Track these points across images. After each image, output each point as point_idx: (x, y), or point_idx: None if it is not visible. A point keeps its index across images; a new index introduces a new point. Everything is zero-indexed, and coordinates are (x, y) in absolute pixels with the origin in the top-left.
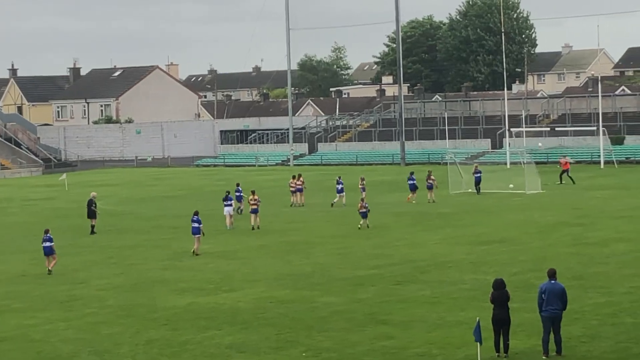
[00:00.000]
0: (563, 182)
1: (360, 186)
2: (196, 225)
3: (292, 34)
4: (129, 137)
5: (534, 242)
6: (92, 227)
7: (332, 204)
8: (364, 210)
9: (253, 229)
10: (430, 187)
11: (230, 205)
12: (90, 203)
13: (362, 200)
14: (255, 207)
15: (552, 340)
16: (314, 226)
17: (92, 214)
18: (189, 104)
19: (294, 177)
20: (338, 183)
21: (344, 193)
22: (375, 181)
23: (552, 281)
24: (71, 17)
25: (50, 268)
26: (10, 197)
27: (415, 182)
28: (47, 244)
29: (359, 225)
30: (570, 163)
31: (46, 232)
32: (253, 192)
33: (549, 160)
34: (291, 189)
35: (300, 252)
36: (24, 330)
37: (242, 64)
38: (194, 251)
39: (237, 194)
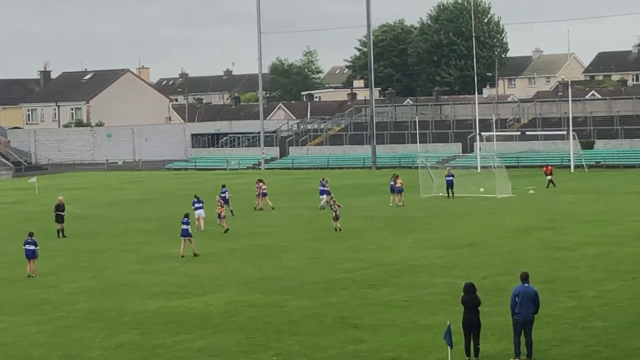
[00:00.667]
0: (553, 186)
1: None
2: (185, 227)
3: (264, 37)
4: (99, 141)
5: (504, 246)
6: (61, 231)
7: (321, 207)
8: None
9: (226, 231)
10: (399, 191)
11: (201, 207)
12: (58, 207)
13: (334, 202)
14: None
15: (522, 343)
16: (284, 230)
17: (60, 218)
18: (160, 107)
19: (259, 181)
20: (321, 185)
21: (325, 196)
22: (347, 185)
23: (525, 284)
24: (41, 20)
25: (32, 273)
26: None
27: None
28: (31, 247)
29: (335, 228)
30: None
31: (30, 235)
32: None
33: (520, 164)
34: (256, 192)
35: (271, 256)
36: None
37: (213, 68)
38: (196, 253)
39: (223, 195)
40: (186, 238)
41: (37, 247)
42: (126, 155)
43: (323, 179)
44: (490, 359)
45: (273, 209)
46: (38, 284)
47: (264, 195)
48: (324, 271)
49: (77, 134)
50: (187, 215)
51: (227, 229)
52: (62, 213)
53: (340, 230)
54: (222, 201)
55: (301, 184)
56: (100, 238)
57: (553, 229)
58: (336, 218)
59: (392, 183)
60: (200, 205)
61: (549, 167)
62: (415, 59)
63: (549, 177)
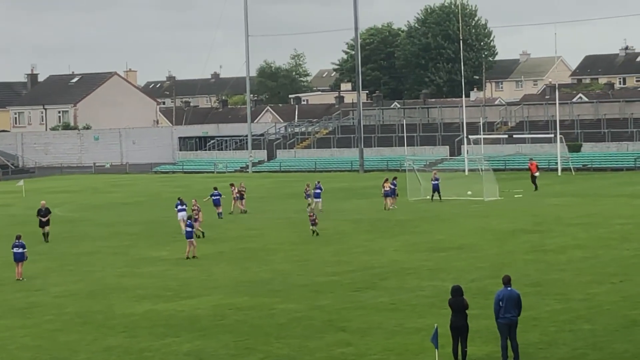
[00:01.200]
0: (535, 188)
1: (305, 192)
2: (189, 229)
3: (251, 40)
4: (87, 144)
5: (491, 249)
6: (46, 235)
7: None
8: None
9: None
10: (387, 195)
11: (184, 210)
12: (44, 212)
13: (310, 205)
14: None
15: (509, 346)
16: (271, 233)
17: (43, 223)
18: (147, 110)
19: (232, 185)
20: (316, 188)
21: (321, 199)
22: (334, 188)
23: (508, 288)
24: (28, 22)
25: (20, 277)
26: None
27: (395, 187)
28: (20, 250)
29: (313, 232)
30: (538, 167)
31: (18, 237)
32: (195, 201)
33: (507, 167)
34: (235, 195)
35: (259, 259)
36: None
37: (200, 71)
38: (187, 256)
39: (215, 197)
40: (190, 240)
41: (25, 250)
42: (113, 159)
43: (318, 182)
44: None
45: (231, 213)
46: (25, 287)
47: (240, 198)
48: (312, 274)
49: (65, 137)
50: (190, 218)
51: (200, 234)
52: (44, 219)
53: (317, 234)
54: (197, 205)
55: (289, 187)
56: (88, 241)
57: (540, 232)
58: (314, 223)
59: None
60: (184, 207)
61: (534, 163)
62: (402, 62)
63: (536, 174)
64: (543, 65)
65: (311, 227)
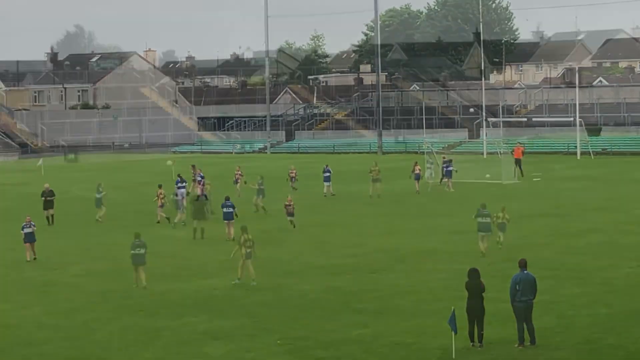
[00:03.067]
0: (521, 174)
1: (290, 176)
2: (230, 210)
3: (271, 21)
4: (106, 123)
5: (509, 232)
6: (50, 217)
7: (325, 195)
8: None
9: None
10: (417, 178)
11: (184, 187)
12: (44, 193)
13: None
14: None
15: (525, 329)
16: None
17: (48, 204)
18: (166, 90)
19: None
20: (325, 171)
21: (330, 182)
22: (352, 170)
23: (525, 271)
24: (49, 1)
25: (34, 256)
26: None
27: (450, 169)
28: (32, 230)
29: (291, 222)
30: (523, 152)
31: (29, 220)
32: (160, 186)
33: (526, 151)
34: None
35: (276, 240)
36: None
37: (220, 51)
38: (227, 238)
39: (200, 178)
40: (230, 221)
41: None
42: (132, 138)
43: (326, 166)
44: (494, 344)
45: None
46: (42, 266)
47: (235, 182)
48: (329, 255)
49: (84, 116)
50: (228, 198)
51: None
52: (50, 198)
53: (294, 226)
54: (162, 192)
55: (306, 169)
56: (105, 220)
57: (558, 215)
58: (290, 213)
59: (446, 168)
60: (183, 185)
61: (520, 148)
62: (422, 44)
63: (518, 159)
64: (563, 48)
65: (287, 217)
